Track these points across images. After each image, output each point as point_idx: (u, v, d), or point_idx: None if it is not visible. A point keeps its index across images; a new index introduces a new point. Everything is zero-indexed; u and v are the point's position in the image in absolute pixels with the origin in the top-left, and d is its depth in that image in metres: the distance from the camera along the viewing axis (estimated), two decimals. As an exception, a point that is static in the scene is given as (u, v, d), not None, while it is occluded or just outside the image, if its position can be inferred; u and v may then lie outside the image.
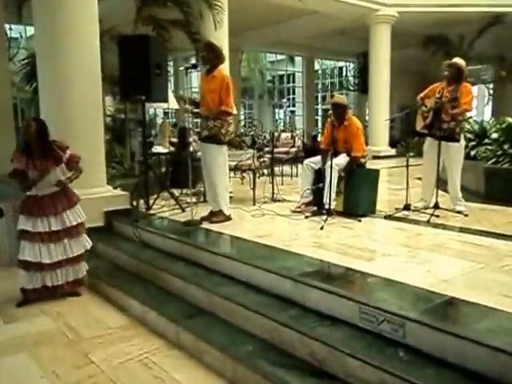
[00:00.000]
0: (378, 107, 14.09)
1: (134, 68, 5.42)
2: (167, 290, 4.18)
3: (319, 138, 18.19)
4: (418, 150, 15.21)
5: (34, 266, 4.35)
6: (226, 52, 11.06)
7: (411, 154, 14.27)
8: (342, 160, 5.61)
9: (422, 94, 6.03)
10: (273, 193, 6.84)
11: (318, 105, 21.73)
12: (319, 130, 21.38)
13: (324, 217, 5.36)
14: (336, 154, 5.81)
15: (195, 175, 7.81)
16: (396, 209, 5.73)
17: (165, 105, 7.51)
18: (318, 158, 5.97)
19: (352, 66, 20.56)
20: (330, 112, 5.75)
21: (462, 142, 5.89)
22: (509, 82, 16.58)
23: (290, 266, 3.80)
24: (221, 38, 10.78)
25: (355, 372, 2.68)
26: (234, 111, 5.20)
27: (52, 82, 5.47)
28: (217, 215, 5.34)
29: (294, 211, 5.83)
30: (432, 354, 2.65)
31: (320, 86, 22.23)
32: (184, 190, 7.01)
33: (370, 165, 11.27)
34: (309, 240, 4.59)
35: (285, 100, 21.90)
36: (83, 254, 4.59)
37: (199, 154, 7.99)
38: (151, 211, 5.93)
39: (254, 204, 6.38)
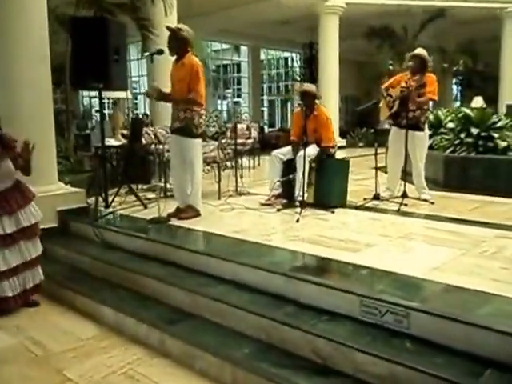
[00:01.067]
0: (327, 97, 14.11)
1: (89, 53, 5.06)
2: (142, 293, 3.95)
3: (266, 130, 18.30)
4: (367, 140, 15.53)
5: None
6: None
7: (360, 144, 14.55)
8: (312, 150, 5.54)
9: (386, 84, 6.10)
10: (236, 186, 6.71)
11: (263, 95, 21.64)
12: (265, 122, 21.42)
13: (297, 209, 5.30)
14: (305, 144, 5.75)
15: (149, 170, 7.60)
16: (364, 199, 5.77)
17: (120, 93, 7.17)
18: (286, 148, 5.89)
19: (298, 56, 20.64)
20: (300, 102, 5.67)
21: (427, 131, 6.02)
22: (449, 74, 17.22)
23: (278, 261, 3.71)
24: (171, 24, 10.53)
25: (364, 367, 2.62)
26: (203, 101, 5.00)
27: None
28: (186, 211, 5.15)
29: (264, 204, 5.73)
30: (439, 343, 2.64)
31: (266, 76, 22.14)
32: (140, 186, 6.79)
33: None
34: (288, 233, 4.51)
35: (230, 90, 21.71)
36: (39, 256, 4.23)
37: (153, 147, 7.82)
38: (110, 209, 5.63)
39: (220, 198, 6.22)
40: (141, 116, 12.56)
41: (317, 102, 5.70)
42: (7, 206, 3.96)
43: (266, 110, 21.96)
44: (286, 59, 22.76)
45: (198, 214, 5.21)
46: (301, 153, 5.51)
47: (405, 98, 5.66)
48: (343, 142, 14.10)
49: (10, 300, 4.03)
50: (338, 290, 3.08)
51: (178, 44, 4.94)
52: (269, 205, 5.69)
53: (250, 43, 19.62)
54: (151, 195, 6.43)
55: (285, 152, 5.84)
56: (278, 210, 5.43)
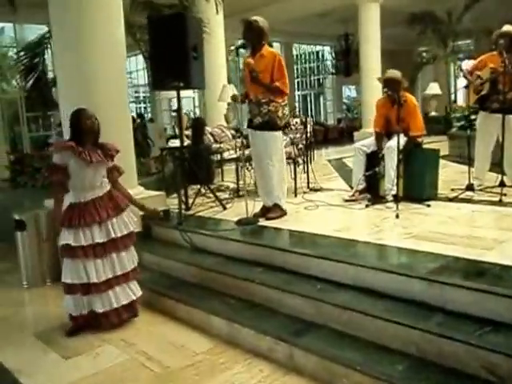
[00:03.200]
0: (370, 87, 13.59)
1: (168, 51, 4.71)
2: (252, 301, 3.57)
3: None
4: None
5: (78, 288, 3.63)
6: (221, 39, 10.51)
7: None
8: (400, 141, 5.08)
9: (469, 68, 5.58)
10: (308, 182, 6.31)
11: (296, 91, 21.11)
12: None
13: (388, 204, 4.91)
14: (389, 135, 5.32)
15: (212, 170, 7.22)
16: (452, 189, 5.32)
17: (184, 93, 6.82)
18: (369, 140, 5.46)
19: (330, 49, 20.09)
20: (385, 90, 5.23)
21: (522, 114, 5.48)
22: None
23: (408, 263, 3.29)
24: (219, 22, 10.18)
25: None
26: (288, 90, 4.60)
27: (76, 77, 4.72)
28: (274, 210, 4.76)
29: (348, 200, 5.31)
30: None
31: (298, 71, 21.57)
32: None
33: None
34: (396, 231, 4.09)
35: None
36: (135, 269, 3.88)
37: (215, 145, 7.47)
38: (191, 211, 5.28)
39: (296, 195, 5.81)
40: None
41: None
42: (97, 214, 3.63)
43: (298, 105, 21.36)
44: (317, 53, 22.19)
45: (284, 213, 4.82)
46: (389, 143, 5.08)
47: (495, 80, 5.17)
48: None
49: (102, 316, 3.69)
50: (502, 295, 2.65)
51: (255, 36, 4.58)
52: (353, 200, 5.28)
53: (283, 39, 19.12)
54: (223, 195, 6.07)
55: (368, 144, 5.41)
56: (367, 206, 5.00)
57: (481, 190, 5.27)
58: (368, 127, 13.64)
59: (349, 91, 24.14)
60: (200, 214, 5.27)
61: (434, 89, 12.32)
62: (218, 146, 7.29)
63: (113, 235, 3.68)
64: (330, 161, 9.03)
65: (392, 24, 14.05)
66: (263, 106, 4.55)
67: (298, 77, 21.37)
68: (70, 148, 3.54)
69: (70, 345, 3.56)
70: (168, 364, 3.16)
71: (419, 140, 5.27)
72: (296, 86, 21.47)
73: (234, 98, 5.06)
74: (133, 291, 3.83)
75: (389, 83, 5.18)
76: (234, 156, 8.64)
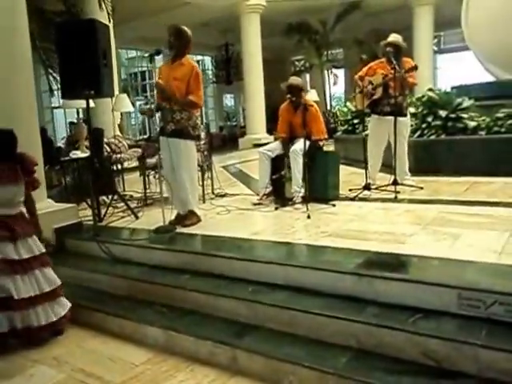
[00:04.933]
0: (253, 95, 14.00)
1: (78, 59, 4.43)
2: (185, 308, 3.49)
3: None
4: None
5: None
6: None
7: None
8: (302, 145, 5.27)
9: (360, 73, 5.93)
10: (213, 188, 6.31)
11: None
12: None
13: (296, 206, 5.09)
14: (292, 139, 5.50)
15: (113, 180, 6.95)
16: (350, 190, 5.61)
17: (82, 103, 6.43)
18: (273, 145, 5.60)
19: (211, 59, 20.21)
20: (288, 96, 5.38)
21: (409, 117, 5.94)
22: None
23: (335, 260, 3.42)
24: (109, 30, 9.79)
25: (493, 364, 2.41)
26: (202, 103, 4.60)
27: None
28: (189, 217, 4.69)
29: (257, 204, 5.39)
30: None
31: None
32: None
33: (254, 154, 11.28)
34: (311, 231, 4.22)
35: (141, 97, 20.78)
36: (60, 286, 3.64)
37: (115, 156, 7.18)
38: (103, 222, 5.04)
39: (204, 201, 5.78)
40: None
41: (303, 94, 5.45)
42: (7, 232, 3.38)
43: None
44: (198, 62, 22.20)
45: (199, 220, 4.78)
46: (294, 147, 5.25)
47: (386, 85, 5.56)
48: (271, 138, 13.95)
49: (23, 333, 3.45)
50: (429, 284, 2.86)
51: (183, 44, 4.52)
52: (261, 204, 5.38)
53: (154, 49, 18.82)
54: (132, 205, 5.85)
55: (272, 148, 5.54)
56: (276, 209, 5.11)
57: (376, 188, 5.62)
58: (253, 133, 14.00)
59: (227, 100, 24.49)
60: (112, 224, 5.05)
61: (312, 95, 12.92)
62: (118, 156, 7.02)
63: (35, 252, 3.48)
64: (224, 167, 9.08)
65: (269, 34, 14.51)
66: (176, 113, 4.48)
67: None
68: None
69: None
70: (109, 378, 2.98)
71: (321, 143, 5.50)
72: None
73: (142, 111, 4.94)
74: (56, 310, 3.57)
75: (292, 89, 5.35)
76: (134, 165, 8.42)
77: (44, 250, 3.58)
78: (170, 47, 4.55)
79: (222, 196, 6.12)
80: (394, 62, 5.33)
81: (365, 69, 5.94)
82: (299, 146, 5.20)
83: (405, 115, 5.69)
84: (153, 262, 4.05)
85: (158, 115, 4.69)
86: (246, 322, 3.20)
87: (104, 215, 5.11)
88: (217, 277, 3.63)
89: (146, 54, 4.70)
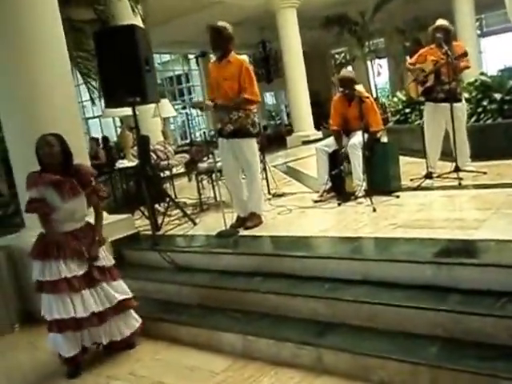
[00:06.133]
0: (297, 91, 14.05)
1: (120, 66, 4.59)
2: (260, 312, 3.57)
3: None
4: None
5: (69, 324, 3.41)
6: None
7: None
8: (361, 137, 5.29)
9: (411, 61, 5.92)
10: (269, 188, 6.40)
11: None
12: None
13: (360, 199, 5.10)
14: (347, 133, 5.53)
15: (163, 188, 7.12)
16: (411, 180, 5.58)
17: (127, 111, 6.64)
18: (330, 140, 5.64)
19: (248, 57, 20.38)
20: (342, 89, 5.43)
21: (464, 102, 5.89)
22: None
23: (411, 251, 3.43)
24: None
25: None
26: (259, 98, 4.68)
27: (20, 101, 4.55)
28: (251, 219, 4.79)
29: (317, 201, 5.44)
30: None
31: None
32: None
33: (304, 151, 11.36)
34: (381, 224, 4.23)
35: (178, 102, 21.14)
36: (131, 298, 3.77)
37: (163, 162, 7.38)
38: (161, 231, 5.20)
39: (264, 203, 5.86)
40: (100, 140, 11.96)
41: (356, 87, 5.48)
42: (78, 247, 3.50)
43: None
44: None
45: (261, 221, 4.87)
46: (352, 141, 5.28)
47: (438, 72, 5.52)
48: (320, 134, 13.96)
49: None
50: (507, 267, 2.85)
51: (224, 42, 4.60)
52: (322, 201, 5.42)
53: (199, 51, 19.17)
54: (187, 211, 6.01)
55: (329, 144, 5.58)
56: (339, 205, 5.15)
57: (438, 176, 5.58)
58: (300, 131, 14.04)
59: (267, 98, 24.58)
60: (170, 232, 5.20)
61: (358, 87, 12.81)
62: (166, 162, 7.21)
63: (104, 264, 3.60)
64: (274, 166, 9.16)
65: (307, 28, 14.56)
66: (233, 112, 4.58)
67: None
68: (39, 186, 3.41)
69: (72, 387, 3.39)
70: (191, 389, 3.11)
71: (378, 135, 5.51)
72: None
73: (195, 105, 5.01)
74: (129, 323, 3.72)
75: (344, 82, 5.40)
76: (182, 171, 8.63)
77: (113, 262, 3.71)
78: (212, 48, 4.65)
79: (280, 196, 6.19)
80: (446, 48, 5.30)
81: (415, 56, 5.93)
82: (357, 139, 5.24)
83: (459, 100, 5.64)
84: (220, 268, 4.16)
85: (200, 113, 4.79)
86: (325, 321, 3.26)
87: (161, 224, 5.26)
88: (289, 277, 3.70)
89: (192, 56, 4.76)
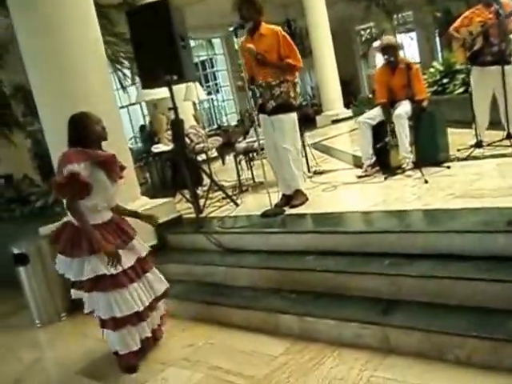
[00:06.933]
0: (325, 69, 13.67)
1: (154, 44, 4.43)
2: (317, 291, 3.37)
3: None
4: (371, 105, 15.10)
5: (128, 319, 3.20)
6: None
7: (366, 110, 14.08)
8: (407, 107, 5.03)
9: (456, 25, 5.58)
10: (308, 166, 6.19)
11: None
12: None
13: (408, 172, 4.86)
14: (392, 104, 5.26)
15: (200, 172, 6.96)
16: (458, 150, 5.29)
17: (160, 93, 6.47)
18: (373, 112, 5.37)
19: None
20: (386, 57, 5.16)
21: (514, 63, 5.54)
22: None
23: (479, 221, 3.19)
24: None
25: None
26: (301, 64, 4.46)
27: (54, 82, 4.40)
28: (296, 197, 4.59)
29: (361, 176, 5.21)
30: None
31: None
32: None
33: (334, 130, 11.08)
34: (436, 195, 4.00)
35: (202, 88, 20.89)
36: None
37: (199, 145, 7.21)
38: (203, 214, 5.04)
39: (304, 180, 5.65)
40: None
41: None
42: (123, 234, 3.30)
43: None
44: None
45: (307, 199, 4.67)
46: (398, 111, 5.02)
47: (487, 33, 5.20)
48: (349, 112, 13.61)
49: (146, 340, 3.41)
50: None
51: (256, 12, 4.38)
52: (367, 176, 5.19)
53: (223, 34, 18.92)
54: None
55: (373, 116, 5.32)
56: (386, 178, 4.91)
57: (488, 145, 5.28)
58: (329, 110, 13.72)
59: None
60: (213, 214, 5.04)
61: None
62: (201, 145, 7.04)
63: (140, 254, 3.37)
64: (310, 145, 8.93)
65: (332, 4, 14.12)
66: (274, 88, 4.38)
67: (242, 71, 21.03)
68: (80, 160, 3.03)
69: (127, 376, 3.26)
70: (251, 373, 2.94)
71: (424, 104, 5.22)
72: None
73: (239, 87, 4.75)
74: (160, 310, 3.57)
75: (387, 50, 5.12)
76: (215, 155, 8.48)
77: (149, 250, 3.49)
78: (245, 20, 4.40)
79: (320, 173, 5.98)
80: (496, 6, 4.97)
81: (459, 19, 5.60)
82: (403, 109, 4.98)
83: (510, 63, 5.29)
84: (269, 247, 3.98)
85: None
86: (389, 298, 3.06)
87: (203, 206, 5.10)
88: (345, 254, 3.50)
89: (231, 28, 4.52)
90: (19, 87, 8.17)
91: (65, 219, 3.35)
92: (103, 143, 3.28)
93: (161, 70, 4.49)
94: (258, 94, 4.51)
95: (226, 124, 18.10)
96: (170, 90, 4.74)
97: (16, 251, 4.56)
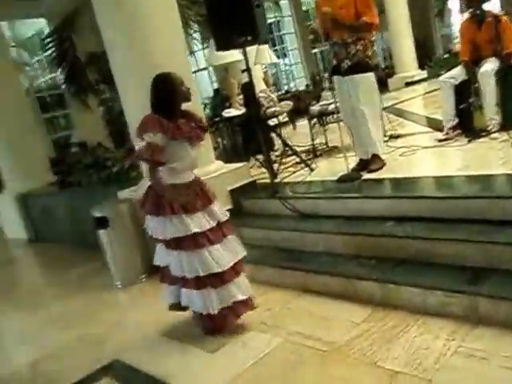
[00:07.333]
0: (398, 28, 13.06)
1: (228, 3, 4.33)
2: (398, 258, 3.26)
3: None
4: (447, 66, 14.31)
5: (208, 280, 3.18)
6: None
7: (442, 72, 13.35)
8: (494, 64, 4.70)
9: None
10: (383, 129, 5.95)
11: (315, 48, 20.33)
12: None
13: (494, 135, 4.58)
14: (477, 61, 4.93)
15: (271, 136, 6.88)
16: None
17: (230, 56, 6.38)
18: (456, 71, 5.06)
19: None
20: (471, 11, 4.83)
21: None
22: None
23: None
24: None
25: None
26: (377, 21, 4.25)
27: (128, 45, 4.41)
28: (374, 162, 4.44)
29: (442, 140, 4.96)
30: None
31: (314, 26, 20.56)
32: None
33: (408, 93, 10.63)
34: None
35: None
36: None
37: (270, 110, 7.12)
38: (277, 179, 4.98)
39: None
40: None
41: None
42: (204, 196, 3.26)
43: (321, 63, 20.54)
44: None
45: (384, 164, 4.50)
46: (484, 68, 4.71)
47: None
48: (424, 74, 13.01)
49: (242, 304, 3.33)
50: None
51: None
52: (448, 139, 4.93)
53: (291, -5, 18.48)
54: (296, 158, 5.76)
55: (455, 74, 5.02)
56: (469, 141, 4.65)
57: None
58: (403, 72, 13.20)
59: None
60: (287, 179, 4.97)
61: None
62: (272, 109, 6.94)
63: (220, 219, 3.30)
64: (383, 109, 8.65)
65: None
66: (350, 46, 4.20)
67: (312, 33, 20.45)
68: (159, 127, 3.03)
69: (207, 338, 3.30)
70: (331, 339, 2.90)
71: (512, 60, 4.87)
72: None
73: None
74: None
75: (472, 1, 4.78)
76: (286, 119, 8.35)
77: (228, 216, 3.37)
78: None
79: (396, 137, 5.75)
80: None
81: None
82: (490, 66, 4.68)
83: None
84: (347, 213, 3.88)
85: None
86: (477, 266, 2.92)
87: (277, 171, 5.04)
88: (428, 220, 3.35)
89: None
90: (92, 55, 8.34)
91: (142, 182, 3.39)
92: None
93: (235, 32, 4.41)
94: (332, 53, 4.34)
95: (293, 89, 17.84)
96: (244, 52, 4.66)
97: (97, 215, 4.69)
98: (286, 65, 20.29)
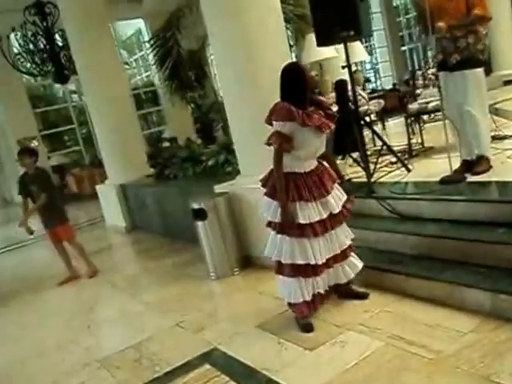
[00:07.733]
0: (498, 22, 12.19)
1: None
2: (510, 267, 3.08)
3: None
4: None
5: (304, 270, 3.26)
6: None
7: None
8: None
9: None
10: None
11: (404, 46, 19.60)
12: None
13: None
14: None
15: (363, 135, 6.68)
16: None
17: (325, 52, 6.29)
18: None
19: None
20: None
21: None
22: None
23: None
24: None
25: None
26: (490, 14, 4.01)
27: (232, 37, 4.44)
28: (480, 163, 4.19)
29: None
30: None
31: (402, 23, 19.84)
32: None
33: (508, 92, 9.94)
34: None
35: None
36: (351, 246, 3.54)
37: (362, 108, 6.94)
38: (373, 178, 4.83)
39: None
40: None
41: None
42: (322, 186, 3.27)
43: (409, 61, 19.78)
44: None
45: (491, 166, 4.24)
46: None
47: None
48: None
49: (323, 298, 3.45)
50: None
51: None
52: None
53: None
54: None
55: None
56: None
57: None
58: (503, 69, 12.45)
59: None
60: (382, 179, 4.81)
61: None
62: (365, 108, 6.77)
63: (332, 210, 3.31)
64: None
65: None
66: (460, 40, 3.98)
67: (402, 30, 19.74)
68: (290, 117, 3.10)
69: (304, 335, 3.27)
70: (437, 348, 2.76)
71: None
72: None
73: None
74: (352, 265, 3.53)
75: None
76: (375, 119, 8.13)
77: (341, 206, 3.38)
78: None
79: (502, 138, 5.41)
80: None
81: None
82: None
83: None
84: (452, 217, 3.68)
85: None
86: None
87: (373, 171, 4.89)
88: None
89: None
90: (192, 53, 8.52)
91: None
92: None
93: (337, 26, 4.32)
94: (440, 48, 4.14)
95: (379, 88, 17.38)
96: (346, 48, 4.55)
97: (195, 206, 4.78)
98: (372, 63, 19.79)
